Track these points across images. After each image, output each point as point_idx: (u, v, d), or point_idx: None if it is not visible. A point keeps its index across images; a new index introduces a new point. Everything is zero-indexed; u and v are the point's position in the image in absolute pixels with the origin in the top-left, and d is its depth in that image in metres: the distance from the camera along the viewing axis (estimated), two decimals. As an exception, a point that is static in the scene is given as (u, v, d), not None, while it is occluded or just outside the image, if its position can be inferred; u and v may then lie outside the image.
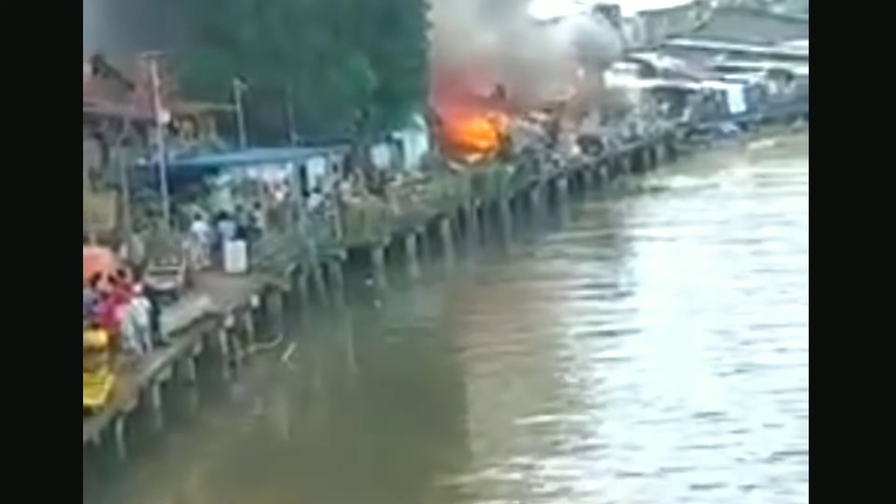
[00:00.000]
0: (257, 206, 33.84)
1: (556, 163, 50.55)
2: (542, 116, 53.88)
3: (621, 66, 66.39)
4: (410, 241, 38.69)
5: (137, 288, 24.69)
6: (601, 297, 30.95)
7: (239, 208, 33.89)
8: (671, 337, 26.17)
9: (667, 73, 71.34)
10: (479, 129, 48.88)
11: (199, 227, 31.87)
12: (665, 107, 65.73)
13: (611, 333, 27.10)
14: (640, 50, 77.21)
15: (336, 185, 37.17)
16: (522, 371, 24.61)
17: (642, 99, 64.23)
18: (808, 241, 8.39)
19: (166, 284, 27.25)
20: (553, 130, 53.08)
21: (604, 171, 53.94)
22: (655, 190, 51.56)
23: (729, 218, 42.18)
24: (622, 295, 31.54)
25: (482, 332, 28.67)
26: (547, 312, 30.37)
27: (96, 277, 24.31)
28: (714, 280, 31.72)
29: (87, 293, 23.66)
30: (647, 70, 70.85)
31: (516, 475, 18.51)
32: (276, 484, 19.40)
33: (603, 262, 36.86)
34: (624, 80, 64.08)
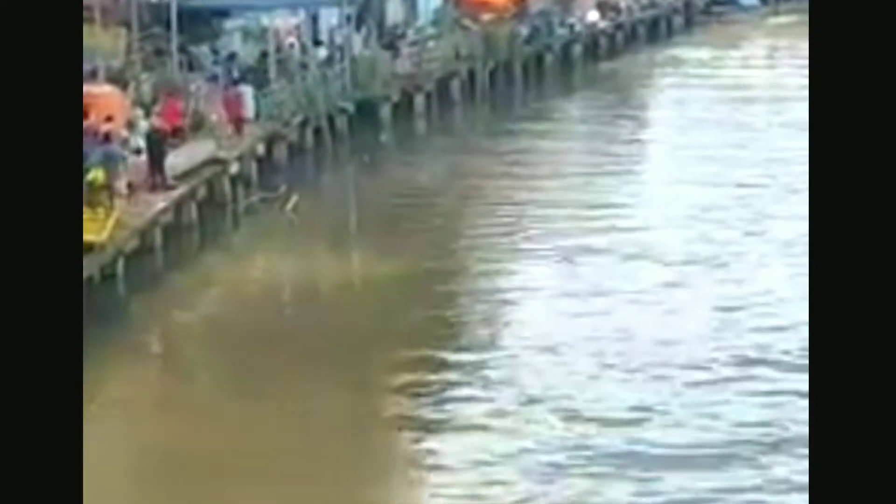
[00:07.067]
0: (265, 54, 33.50)
1: (571, 27, 49.97)
2: (560, -22, 53.02)
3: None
4: (419, 99, 38.47)
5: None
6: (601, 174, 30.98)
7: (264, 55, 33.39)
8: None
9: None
10: (495, -13, 48.09)
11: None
12: (687, -24, 64.63)
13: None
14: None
15: (348, 37, 36.83)
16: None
17: (664, -34, 63.07)
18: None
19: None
20: (571, -7, 52.26)
21: (620, 37, 53.32)
22: (670, 61, 51.01)
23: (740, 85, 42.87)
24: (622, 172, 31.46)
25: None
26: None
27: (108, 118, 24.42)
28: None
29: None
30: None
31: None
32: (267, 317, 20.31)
33: (612, 128, 36.75)
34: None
